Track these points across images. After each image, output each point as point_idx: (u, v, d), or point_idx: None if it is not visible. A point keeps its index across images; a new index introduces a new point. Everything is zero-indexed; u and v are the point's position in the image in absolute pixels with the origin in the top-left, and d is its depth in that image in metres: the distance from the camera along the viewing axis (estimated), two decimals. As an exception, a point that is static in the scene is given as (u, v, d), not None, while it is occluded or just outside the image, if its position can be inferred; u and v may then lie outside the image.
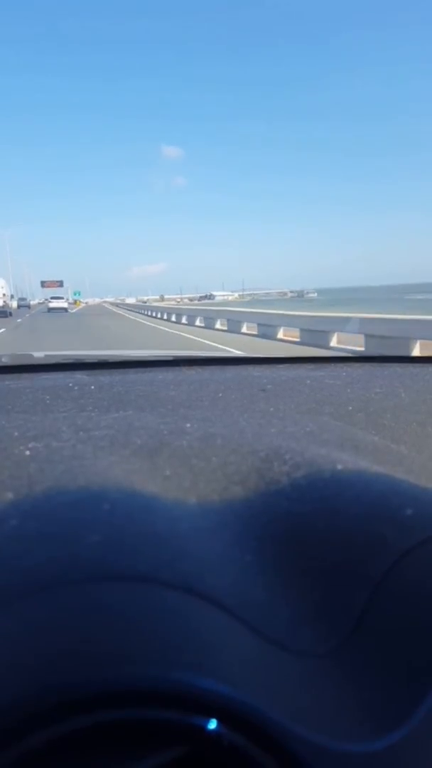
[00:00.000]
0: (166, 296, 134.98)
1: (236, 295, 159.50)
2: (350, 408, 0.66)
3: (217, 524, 0.34)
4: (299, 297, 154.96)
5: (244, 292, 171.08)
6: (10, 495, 0.34)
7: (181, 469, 0.39)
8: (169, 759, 0.22)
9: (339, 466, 0.40)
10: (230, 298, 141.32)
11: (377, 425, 0.63)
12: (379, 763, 0.24)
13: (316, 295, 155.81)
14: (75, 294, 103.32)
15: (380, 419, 0.64)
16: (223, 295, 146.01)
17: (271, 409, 0.65)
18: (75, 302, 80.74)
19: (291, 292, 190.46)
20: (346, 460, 0.41)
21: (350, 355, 1.72)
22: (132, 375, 0.88)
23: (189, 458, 0.41)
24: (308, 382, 0.77)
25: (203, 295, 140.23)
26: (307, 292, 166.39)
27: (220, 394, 0.70)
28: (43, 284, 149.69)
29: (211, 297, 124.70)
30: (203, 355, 1.20)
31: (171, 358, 1.11)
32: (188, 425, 0.48)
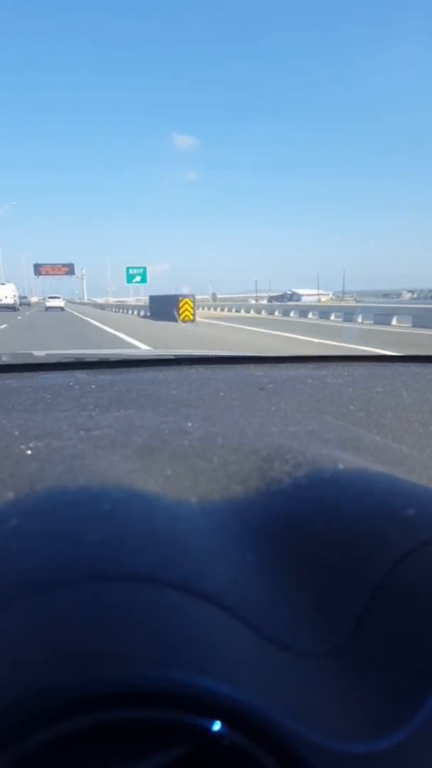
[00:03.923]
0: (218, 295, 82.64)
1: (330, 295, 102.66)
2: (352, 407, 0.65)
3: (218, 524, 0.34)
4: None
5: (344, 293, 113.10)
6: (11, 494, 0.34)
7: (182, 469, 0.39)
8: (171, 759, 0.22)
9: (340, 466, 0.39)
10: (323, 299, 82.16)
11: (379, 425, 0.62)
12: (381, 764, 0.23)
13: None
14: (131, 277, 44.41)
15: (382, 419, 0.64)
16: (313, 294, 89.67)
17: (273, 408, 0.64)
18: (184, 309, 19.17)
19: (409, 291, 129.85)
20: (347, 460, 0.41)
21: (352, 354, 1.45)
22: (133, 374, 0.89)
23: (190, 458, 0.41)
24: (310, 381, 0.77)
25: (278, 294, 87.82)
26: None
27: (222, 393, 0.69)
28: (38, 270, 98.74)
29: (293, 297, 71.68)
30: (204, 354, 1.18)
31: (172, 357, 1.10)
32: (189, 424, 0.48)
